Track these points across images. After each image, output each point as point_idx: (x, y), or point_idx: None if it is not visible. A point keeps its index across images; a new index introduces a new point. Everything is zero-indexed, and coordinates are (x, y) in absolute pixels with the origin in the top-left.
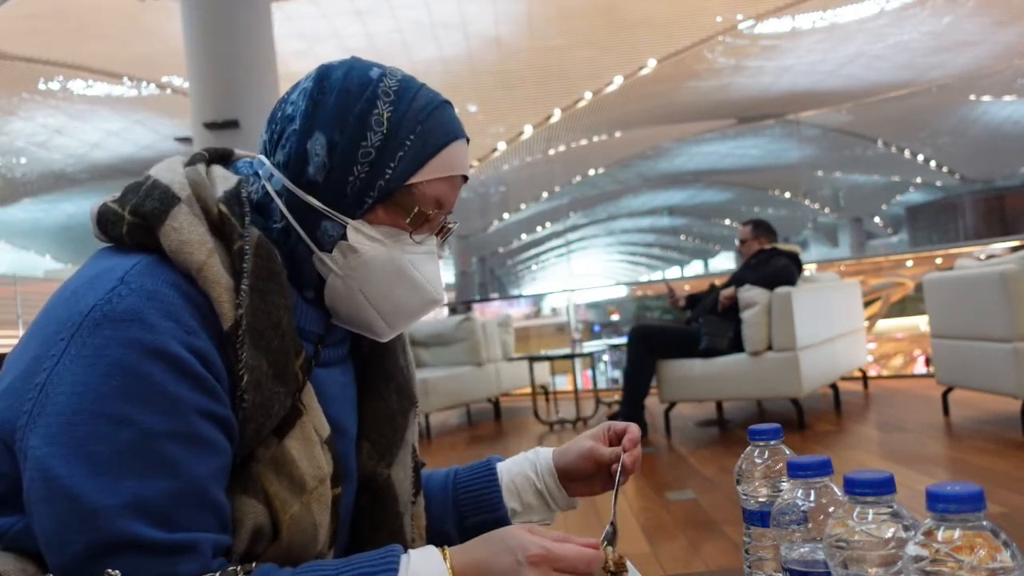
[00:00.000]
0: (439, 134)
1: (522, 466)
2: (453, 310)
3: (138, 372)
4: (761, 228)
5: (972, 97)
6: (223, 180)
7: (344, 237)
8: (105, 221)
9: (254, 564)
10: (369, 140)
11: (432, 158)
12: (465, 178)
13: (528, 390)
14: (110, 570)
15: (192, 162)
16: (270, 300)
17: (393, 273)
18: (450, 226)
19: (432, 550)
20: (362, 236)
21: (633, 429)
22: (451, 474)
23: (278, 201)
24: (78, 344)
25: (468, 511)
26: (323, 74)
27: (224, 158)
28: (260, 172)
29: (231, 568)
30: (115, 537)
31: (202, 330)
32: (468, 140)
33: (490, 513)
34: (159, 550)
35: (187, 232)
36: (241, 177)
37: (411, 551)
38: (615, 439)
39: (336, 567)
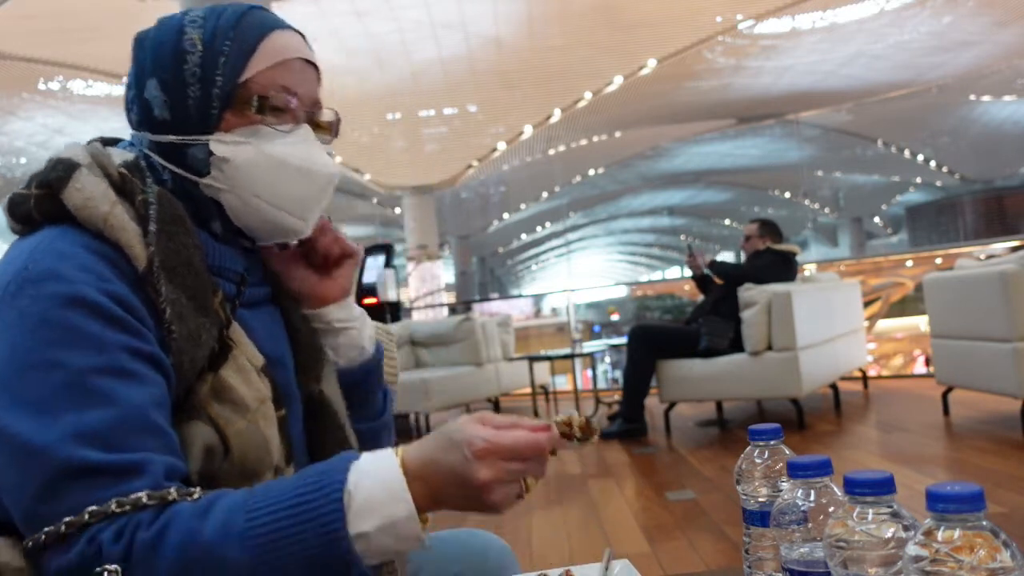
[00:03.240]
0: (254, 29)
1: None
2: (453, 310)
3: (61, 321)
4: (767, 228)
5: (972, 97)
6: (120, 155)
7: (212, 154)
8: (14, 205)
9: (207, 491)
10: (190, 62)
11: (254, 52)
12: (314, 66)
13: (528, 390)
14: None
15: (89, 143)
16: (178, 240)
17: (272, 165)
18: (327, 118)
19: (386, 450)
20: (226, 145)
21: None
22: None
23: (155, 157)
24: (3, 313)
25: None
26: (138, 38)
27: (114, 144)
28: (135, 143)
29: (188, 489)
30: (63, 466)
31: (117, 279)
32: (302, 34)
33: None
34: (108, 471)
35: (89, 189)
36: (138, 152)
37: (364, 454)
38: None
39: (291, 479)
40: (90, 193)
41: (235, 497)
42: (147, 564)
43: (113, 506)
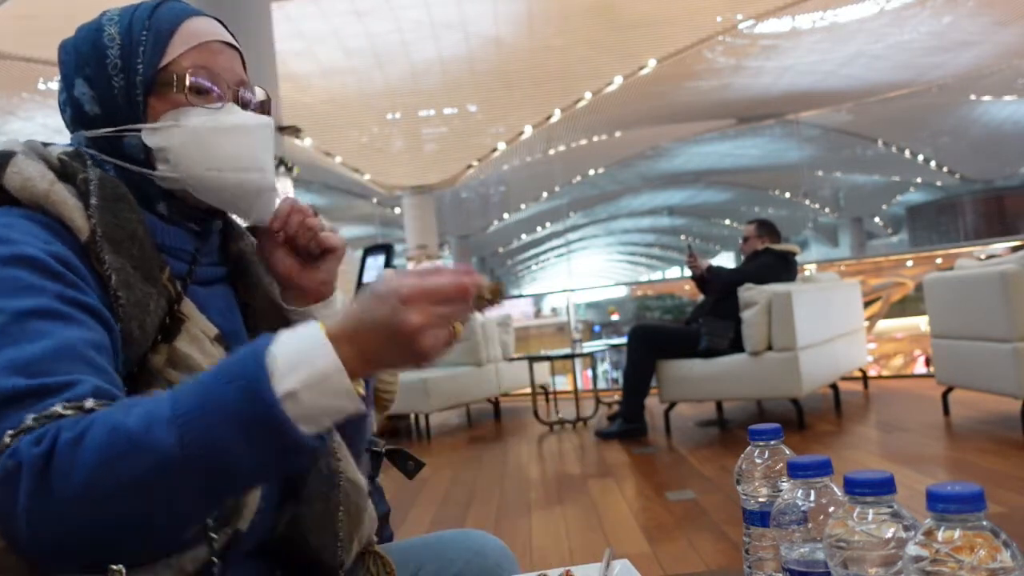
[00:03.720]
0: (169, 18)
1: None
2: None
3: (2, 276)
4: (765, 228)
5: (972, 97)
6: (60, 149)
7: (146, 145)
8: None
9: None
10: (111, 56)
11: (171, 38)
12: (235, 48)
13: (528, 390)
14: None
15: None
16: (121, 215)
17: (207, 136)
18: (259, 97)
19: (312, 326)
20: (155, 133)
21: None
22: None
23: (94, 152)
24: None
25: None
26: (61, 45)
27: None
28: (73, 143)
29: (107, 401)
30: None
31: (60, 243)
32: (221, 21)
33: None
34: (34, 393)
35: (28, 171)
36: (78, 145)
37: (282, 333)
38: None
39: (209, 371)
40: (29, 174)
41: (159, 393)
42: (71, 462)
43: (30, 421)
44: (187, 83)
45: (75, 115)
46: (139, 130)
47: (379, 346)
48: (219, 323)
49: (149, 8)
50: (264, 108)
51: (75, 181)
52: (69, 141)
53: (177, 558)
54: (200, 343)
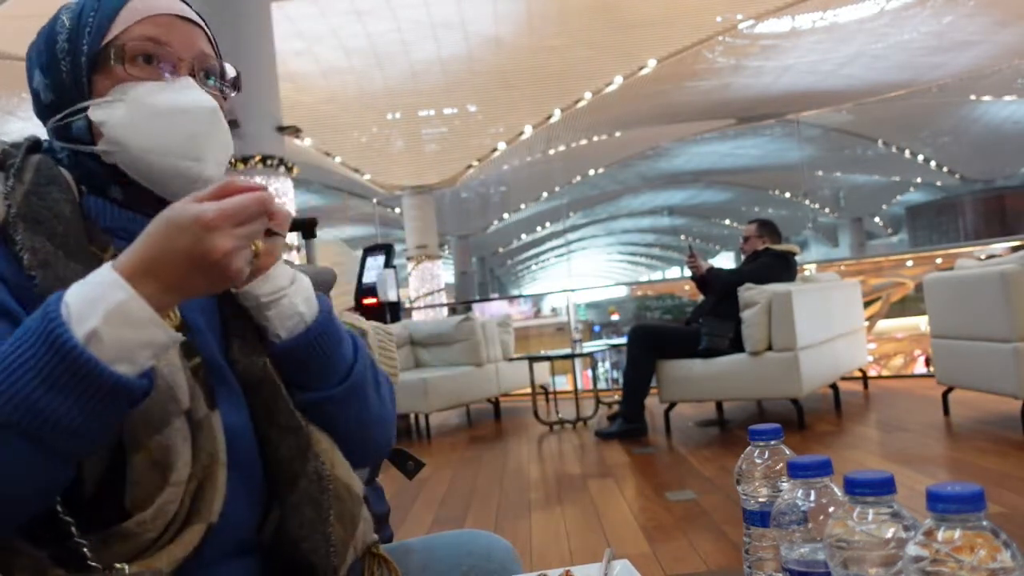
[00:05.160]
0: None
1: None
2: (453, 310)
3: None
4: (766, 228)
5: (972, 97)
6: (12, 140)
7: (91, 123)
8: None
9: None
10: (59, 40)
11: (116, 15)
12: (190, 21)
13: (528, 390)
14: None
15: None
16: (48, 196)
17: (146, 115)
18: (230, 74)
19: (104, 269)
20: (99, 109)
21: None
22: None
23: (54, 141)
24: None
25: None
26: (31, 42)
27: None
28: (43, 137)
29: None
30: None
31: None
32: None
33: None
34: None
35: None
36: (38, 141)
37: (73, 285)
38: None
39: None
40: None
41: None
42: None
43: None
44: (126, 55)
45: (36, 107)
46: (86, 108)
47: (184, 275)
48: (183, 313)
49: None
50: (235, 85)
51: (5, 167)
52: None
53: (148, 557)
54: None
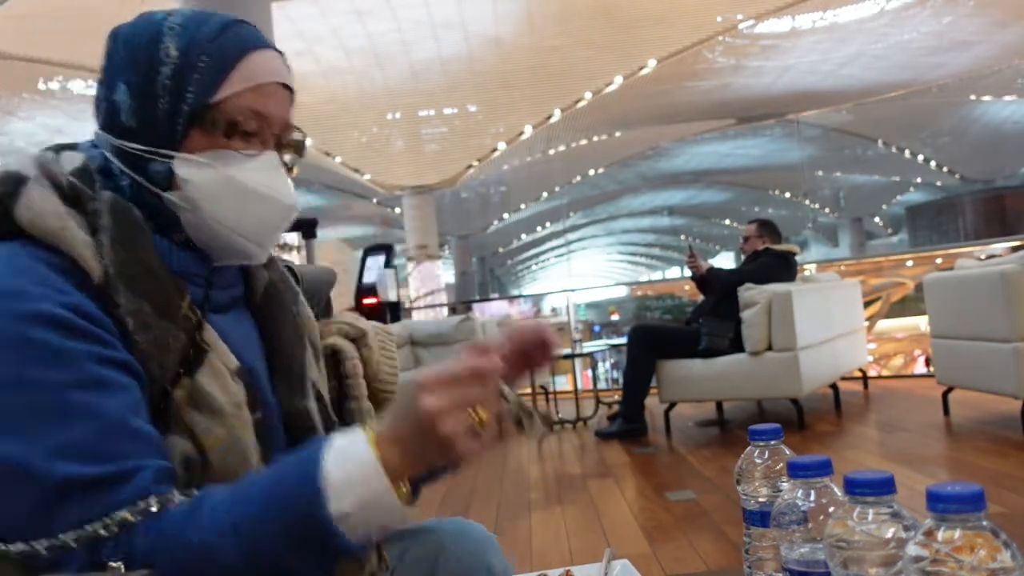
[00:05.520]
0: (233, 48)
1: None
2: (453, 310)
3: (23, 339)
4: (766, 228)
5: (972, 97)
6: (70, 160)
7: (174, 172)
8: None
9: (193, 491)
10: (163, 73)
11: (230, 72)
12: (289, 89)
13: (528, 390)
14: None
15: (42, 151)
16: (135, 248)
17: (232, 191)
18: (296, 138)
19: (357, 432)
20: (188, 165)
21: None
22: None
23: (115, 161)
24: None
25: None
26: (114, 33)
27: (73, 147)
28: (97, 144)
29: (170, 496)
30: (52, 485)
31: (75, 290)
32: (281, 53)
33: None
34: (98, 484)
35: (39, 204)
36: (86, 155)
37: (335, 439)
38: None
39: (270, 471)
40: (39, 209)
41: (218, 496)
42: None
43: (100, 529)
44: (235, 129)
45: (108, 119)
46: (172, 157)
47: (413, 439)
48: (240, 353)
49: (215, 30)
50: (300, 150)
51: (86, 210)
52: (91, 140)
53: None
54: (221, 379)
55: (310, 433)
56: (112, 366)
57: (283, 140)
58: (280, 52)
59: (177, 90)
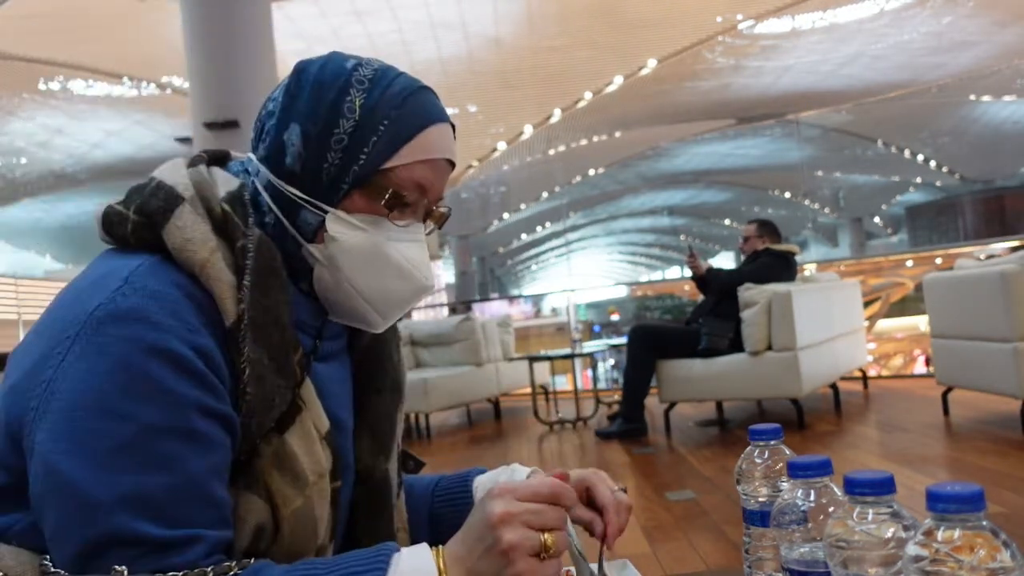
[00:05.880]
0: (415, 118)
1: (496, 481)
2: (453, 310)
3: (140, 369)
4: (766, 228)
5: (972, 97)
6: (225, 182)
7: (324, 226)
8: (110, 222)
9: (251, 560)
10: (341, 127)
11: (408, 142)
12: (452, 164)
13: (528, 390)
14: (116, 566)
15: (194, 164)
16: (271, 296)
17: (376, 260)
18: (442, 210)
19: (424, 548)
20: (341, 224)
21: (626, 500)
22: (435, 480)
23: (264, 195)
24: (83, 342)
25: (440, 518)
26: (300, 68)
27: (221, 160)
28: (249, 169)
29: (225, 563)
30: (113, 532)
31: (205, 328)
32: (453, 126)
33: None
34: (156, 546)
35: (190, 230)
36: (242, 180)
37: (403, 549)
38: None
39: (327, 565)
40: (190, 235)
41: (273, 574)
42: None
43: None
44: (399, 200)
45: (271, 154)
46: (327, 212)
47: (476, 553)
48: (331, 409)
49: (401, 94)
50: (442, 223)
51: (234, 245)
52: (243, 161)
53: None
54: (310, 442)
55: (383, 500)
56: (213, 419)
57: (431, 210)
58: (453, 125)
59: (351, 148)
